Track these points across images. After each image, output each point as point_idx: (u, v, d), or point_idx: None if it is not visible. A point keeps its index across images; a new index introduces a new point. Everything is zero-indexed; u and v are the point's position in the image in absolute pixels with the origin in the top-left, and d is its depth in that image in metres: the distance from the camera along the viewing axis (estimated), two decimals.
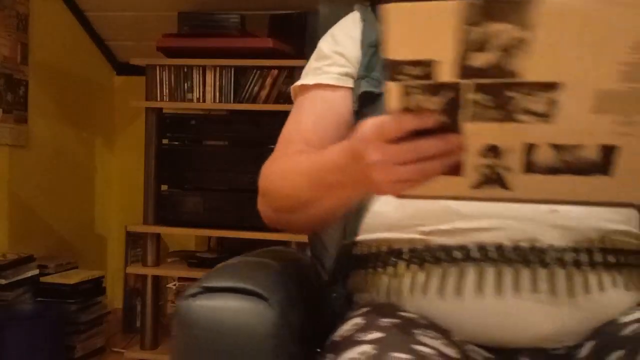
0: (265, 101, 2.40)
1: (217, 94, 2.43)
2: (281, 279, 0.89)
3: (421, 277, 0.85)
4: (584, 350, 0.83)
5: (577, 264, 0.84)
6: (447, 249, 0.85)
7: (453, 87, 0.65)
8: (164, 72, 2.45)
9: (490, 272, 0.82)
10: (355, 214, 0.95)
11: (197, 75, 2.44)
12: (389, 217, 0.90)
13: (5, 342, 2.12)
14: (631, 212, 0.92)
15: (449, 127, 0.67)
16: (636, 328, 0.79)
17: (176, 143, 2.51)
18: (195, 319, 0.79)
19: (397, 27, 0.61)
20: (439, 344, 0.78)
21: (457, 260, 0.84)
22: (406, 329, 0.79)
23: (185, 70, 2.44)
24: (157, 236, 2.51)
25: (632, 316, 0.83)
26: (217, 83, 2.43)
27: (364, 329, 0.79)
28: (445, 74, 0.64)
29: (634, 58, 0.59)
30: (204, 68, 2.43)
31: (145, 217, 2.48)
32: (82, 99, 2.89)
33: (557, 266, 0.82)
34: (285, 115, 1.04)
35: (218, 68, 2.42)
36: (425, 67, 0.63)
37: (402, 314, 0.84)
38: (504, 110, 0.66)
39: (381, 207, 0.92)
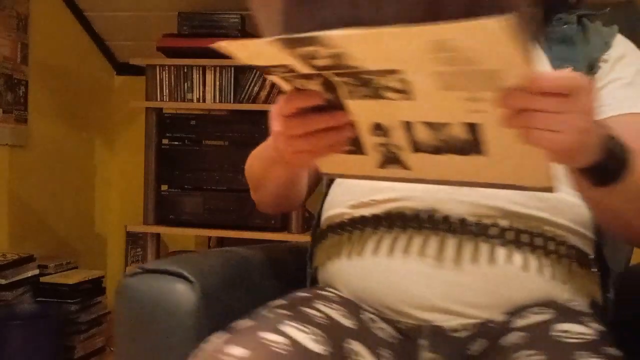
0: (265, 101, 2.40)
1: (217, 94, 2.43)
2: (226, 267, 1.00)
3: (338, 245, 0.95)
4: (476, 346, 0.85)
5: (470, 233, 0.86)
6: (364, 219, 0.93)
7: (318, 75, 0.70)
8: (164, 72, 2.45)
9: (388, 237, 0.90)
10: (322, 200, 1.06)
11: (197, 75, 2.44)
12: (332, 196, 1.02)
13: (5, 342, 2.12)
14: (561, 203, 0.91)
15: (337, 105, 0.74)
16: (517, 339, 0.78)
17: (176, 143, 2.51)
18: (129, 294, 0.92)
19: (240, 53, 0.69)
20: (335, 313, 0.85)
21: (367, 227, 0.92)
22: (310, 299, 0.88)
23: (185, 70, 2.44)
24: (157, 236, 2.51)
25: (524, 320, 0.82)
26: (217, 83, 2.43)
27: (276, 300, 0.88)
28: (303, 69, 0.70)
29: (439, 57, 0.62)
30: (204, 68, 2.43)
31: (145, 217, 2.48)
32: (82, 99, 2.89)
33: (448, 234, 0.87)
34: None
35: (218, 68, 2.42)
36: (284, 67, 0.70)
37: (321, 292, 0.92)
38: (370, 88, 0.70)
39: (331, 189, 1.03)
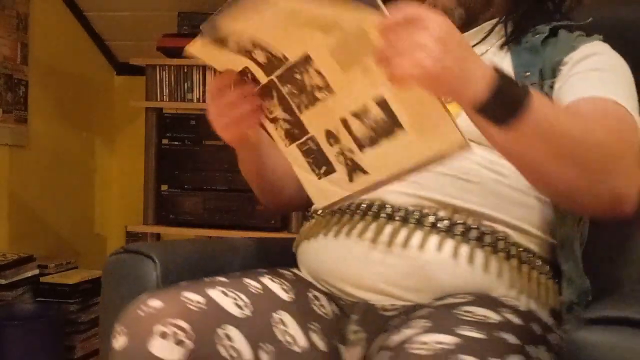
0: None
1: None
2: (204, 254, 1.16)
3: (304, 231, 1.05)
4: (395, 322, 0.89)
5: (406, 221, 0.92)
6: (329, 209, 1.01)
7: (271, 86, 0.81)
8: (164, 72, 2.45)
9: (339, 222, 0.97)
10: None
11: (197, 75, 2.44)
12: None
13: (5, 342, 2.12)
14: (505, 201, 0.92)
15: (299, 124, 0.83)
16: (423, 313, 0.82)
17: (176, 143, 2.51)
18: (109, 268, 1.09)
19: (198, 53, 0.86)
20: (276, 287, 0.94)
21: (327, 215, 1.00)
22: (262, 274, 0.96)
23: (185, 70, 2.44)
24: (157, 236, 2.51)
25: (441, 302, 0.86)
26: None
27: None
28: (261, 77, 0.82)
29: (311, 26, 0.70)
30: (204, 68, 2.43)
31: (145, 217, 2.48)
32: (82, 99, 2.89)
33: (388, 221, 0.93)
34: None
35: None
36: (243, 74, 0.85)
37: (281, 270, 1.01)
38: (306, 93, 0.77)
39: None
